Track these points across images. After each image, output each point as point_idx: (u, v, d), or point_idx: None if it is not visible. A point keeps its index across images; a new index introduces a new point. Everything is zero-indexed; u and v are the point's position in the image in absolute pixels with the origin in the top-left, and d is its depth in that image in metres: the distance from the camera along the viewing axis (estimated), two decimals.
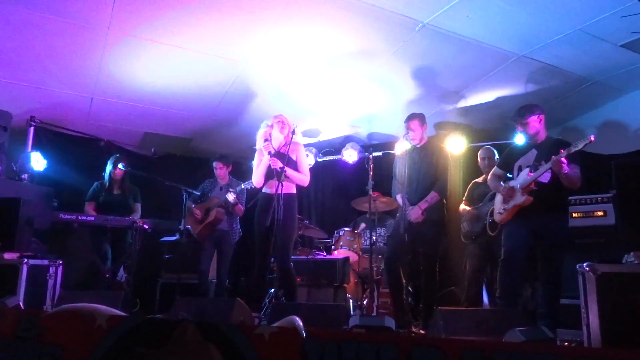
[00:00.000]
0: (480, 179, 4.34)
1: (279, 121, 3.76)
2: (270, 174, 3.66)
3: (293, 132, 3.63)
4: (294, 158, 3.73)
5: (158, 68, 4.25)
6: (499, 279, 3.27)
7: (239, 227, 4.83)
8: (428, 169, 3.79)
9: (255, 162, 3.81)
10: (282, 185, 3.43)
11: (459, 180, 4.80)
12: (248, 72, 4.34)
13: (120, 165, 4.70)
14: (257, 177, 3.77)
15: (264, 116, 4.00)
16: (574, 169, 3.08)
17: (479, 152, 4.38)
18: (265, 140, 3.70)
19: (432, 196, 3.71)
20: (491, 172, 3.66)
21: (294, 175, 3.65)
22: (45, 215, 3.96)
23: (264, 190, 3.76)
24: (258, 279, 3.66)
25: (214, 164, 4.82)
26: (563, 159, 2.97)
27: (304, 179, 3.72)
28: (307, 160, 3.89)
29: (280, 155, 3.68)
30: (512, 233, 3.30)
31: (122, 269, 4.61)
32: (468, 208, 4.24)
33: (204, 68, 4.25)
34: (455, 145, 5.03)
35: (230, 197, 4.45)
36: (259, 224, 3.65)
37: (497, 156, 4.20)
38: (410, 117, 3.87)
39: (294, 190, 3.70)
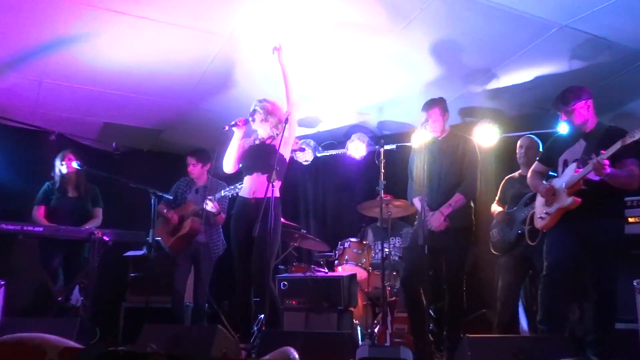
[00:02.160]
0: (516, 174, 4.33)
1: (262, 106, 3.78)
2: (249, 162, 3.69)
3: (286, 121, 3.63)
4: (280, 149, 3.71)
5: (121, 45, 4.24)
6: (540, 298, 3.27)
7: (222, 238, 4.83)
8: (452, 165, 3.79)
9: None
10: (272, 186, 3.42)
11: (490, 179, 4.80)
12: (231, 48, 4.34)
13: (74, 164, 4.68)
14: (227, 159, 3.83)
15: (250, 102, 4.00)
16: (629, 166, 3.08)
17: (519, 141, 4.36)
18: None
19: (457, 199, 3.71)
20: (532, 167, 3.65)
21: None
22: None
23: (240, 194, 3.80)
24: (243, 302, 3.66)
25: (187, 159, 4.82)
26: (606, 160, 2.97)
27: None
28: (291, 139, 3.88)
29: (263, 146, 3.71)
30: (556, 242, 3.30)
31: (77, 290, 4.59)
32: (499, 208, 4.24)
33: (177, 44, 4.24)
34: (485, 136, 5.02)
35: (209, 206, 4.44)
36: (236, 236, 3.67)
37: (541, 147, 4.20)
38: (430, 104, 3.87)
39: (277, 194, 3.68)
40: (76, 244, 4.56)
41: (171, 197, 4.77)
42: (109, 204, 5.08)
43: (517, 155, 4.32)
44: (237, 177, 4.09)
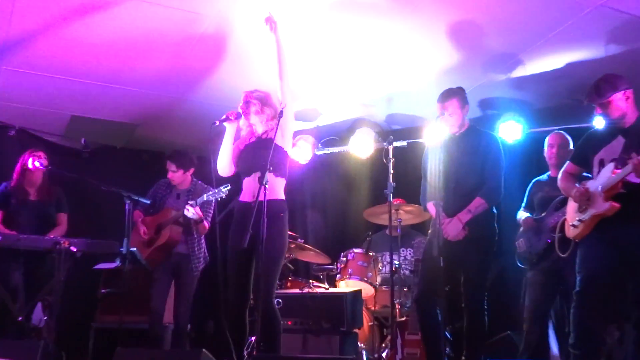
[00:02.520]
0: (545, 177, 4.34)
1: (256, 96, 3.78)
2: (247, 162, 3.67)
3: (280, 115, 3.62)
4: (279, 142, 3.69)
5: (91, 26, 4.22)
6: (573, 318, 3.27)
7: (205, 249, 4.83)
8: (471, 165, 3.79)
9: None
10: (265, 188, 3.40)
11: (515, 180, 4.79)
12: (218, 29, 4.33)
13: (37, 163, 4.68)
14: (220, 161, 3.81)
15: (239, 92, 3.99)
16: None
17: (547, 138, 4.37)
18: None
19: (478, 204, 3.71)
20: (563, 168, 3.66)
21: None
22: None
23: (240, 198, 3.76)
24: (235, 322, 3.64)
25: (166, 163, 4.82)
26: None
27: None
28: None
29: (261, 143, 3.70)
30: (591, 254, 3.30)
31: (40, 308, 4.59)
32: (525, 214, 4.24)
33: (156, 25, 4.24)
34: (509, 131, 5.03)
35: (190, 213, 4.44)
36: (233, 246, 3.64)
37: (571, 145, 4.20)
38: (446, 95, 3.87)
39: (281, 195, 3.68)
40: (39, 256, 4.53)
41: (149, 202, 4.77)
42: (78, 209, 5.08)
43: (547, 155, 4.33)
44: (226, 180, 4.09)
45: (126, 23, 4.21)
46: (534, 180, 4.42)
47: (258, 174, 3.56)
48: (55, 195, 4.90)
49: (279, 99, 3.76)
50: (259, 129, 3.80)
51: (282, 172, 3.67)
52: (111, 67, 4.82)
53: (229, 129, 3.80)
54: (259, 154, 3.64)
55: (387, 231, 4.83)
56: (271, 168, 3.45)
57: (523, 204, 4.39)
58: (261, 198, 3.35)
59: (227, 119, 3.77)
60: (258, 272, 3.49)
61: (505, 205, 4.10)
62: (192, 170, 4.87)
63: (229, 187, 4.34)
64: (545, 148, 4.36)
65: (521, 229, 4.28)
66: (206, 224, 4.70)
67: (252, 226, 3.29)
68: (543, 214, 4.14)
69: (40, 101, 5.37)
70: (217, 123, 3.78)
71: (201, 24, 4.25)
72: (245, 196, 3.70)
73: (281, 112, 3.63)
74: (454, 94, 3.87)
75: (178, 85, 5.18)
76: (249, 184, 3.70)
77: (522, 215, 4.30)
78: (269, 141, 3.62)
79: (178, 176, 4.80)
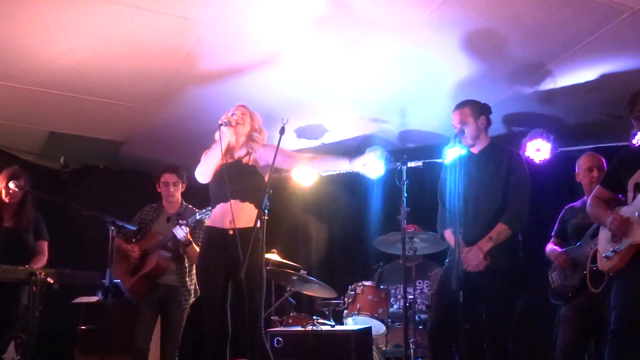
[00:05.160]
0: (578, 204, 4.33)
1: (244, 111, 3.89)
2: (226, 186, 3.69)
3: (281, 132, 3.65)
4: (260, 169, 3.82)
5: (75, 33, 4.27)
6: (609, 359, 3.24)
7: (196, 280, 4.80)
8: (492, 187, 3.79)
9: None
10: (261, 216, 3.46)
11: (543, 204, 4.79)
12: (212, 37, 4.37)
13: (11, 184, 4.71)
14: (206, 166, 3.85)
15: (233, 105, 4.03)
16: None
17: (579, 160, 4.37)
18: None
19: (500, 230, 3.70)
20: (593, 193, 3.65)
21: None
22: None
23: (211, 223, 3.87)
24: None
25: (163, 177, 4.84)
26: None
27: None
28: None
29: (241, 167, 3.79)
30: (628, 289, 3.27)
31: (12, 346, 4.58)
32: (558, 249, 4.23)
33: (144, 33, 4.27)
34: (536, 150, 5.04)
35: (180, 233, 4.45)
36: (209, 276, 3.78)
37: (605, 165, 4.19)
38: (459, 105, 3.91)
39: (253, 222, 3.66)
40: (12, 288, 4.53)
41: (135, 228, 4.77)
42: (56, 236, 5.08)
43: (583, 178, 4.30)
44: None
45: (111, 30, 4.24)
46: (566, 207, 4.39)
47: (237, 200, 3.70)
48: (34, 221, 4.89)
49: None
50: (239, 149, 3.89)
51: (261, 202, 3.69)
52: (94, 79, 4.86)
53: (227, 133, 3.81)
54: (239, 179, 3.75)
55: (400, 261, 4.81)
56: (270, 192, 3.50)
57: (553, 233, 4.37)
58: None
59: (227, 124, 3.78)
60: (248, 307, 3.55)
61: (531, 232, 4.10)
62: (184, 185, 4.92)
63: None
64: (580, 170, 4.33)
65: (553, 263, 4.25)
66: (196, 249, 4.69)
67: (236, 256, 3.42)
68: (578, 244, 4.12)
69: (15, 116, 5.42)
70: (221, 122, 3.78)
71: (193, 31, 4.28)
72: (217, 221, 3.80)
73: (282, 128, 3.66)
74: (466, 103, 3.91)
75: (167, 99, 5.22)
76: (222, 208, 3.76)
77: (552, 248, 4.27)
78: (249, 167, 3.78)
79: (178, 191, 4.85)
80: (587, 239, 4.05)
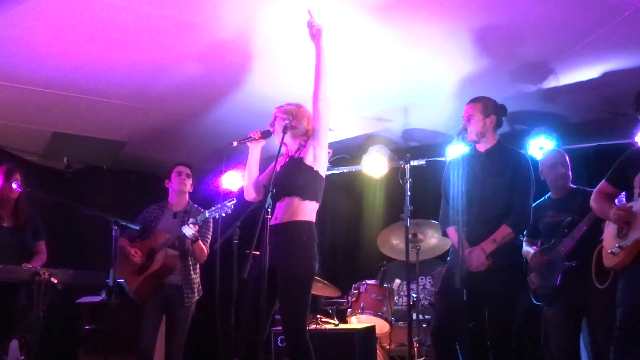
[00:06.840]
0: (546, 199, 4.35)
1: (285, 110, 3.77)
2: (277, 186, 3.53)
3: (284, 130, 3.66)
4: (310, 162, 3.67)
5: (76, 33, 4.27)
6: (613, 356, 3.25)
7: (199, 281, 4.81)
8: (497, 187, 3.78)
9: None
10: (267, 212, 3.42)
11: None
12: (212, 36, 4.37)
13: (13, 185, 4.72)
14: (247, 186, 3.80)
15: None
16: None
17: (543, 157, 4.42)
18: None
19: (504, 233, 3.69)
20: (597, 188, 3.66)
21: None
22: None
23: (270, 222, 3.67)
24: None
25: (177, 168, 4.83)
26: None
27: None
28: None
29: (292, 163, 3.69)
30: (635, 285, 3.27)
31: (16, 347, 4.58)
32: (532, 250, 4.20)
33: (146, 31, 4.28)
34: (539, 148, 5.04)
35: (189, 231, 4.45)
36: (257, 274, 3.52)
37: (568, 161, 4.26)
38: (474, 99, 3.91)
39: (307, 217, 3.60)
40: (14, 288, 4.54)
41: (138, 228, 4.77)
42: (59, 236, 5.10)
43: (549, 175, 4.31)
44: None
45: (117, 29, 4.25)
46: (534, 205, 4.11)
47: (285, 196, 3.60)
48: (34, 222, 4.90)
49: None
50: (292, 147, 3.80)
51: (310, 195, 3.63)
52: (97, 79, 4.86)
53: (254, 150, 3.78)
54: (287, 175, 3.65)
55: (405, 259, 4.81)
56: (292, 189, 3.53)
57: (526, 234, 4.25)
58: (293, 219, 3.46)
59: (249, 139, 3.74)
60: (281, 304, 3.51)
61: None
62: (192, 187, 4.93)
63: (234, 202, 4.35)
64: (543, 167, 4.34)
65: (529, 265, 4.23)
66: (205, 249, 4.71)
67: (269, 254, 3.31)
68: (552, 242, 4.12)
69: (19, 116, 5.42)
70: (236, 144, 3.75)
71: (199, 31, 4.29)
72: (273, 220, 3.64)
73: (284, 126, 3.67)
74: (480, 99, 3.89)
75: (171, 99, 5.22)
76: (276, 207, 3.65)
77: (526, 250, 4.20)
78: (299, 160, 3.66)
79: (189, 184, 4.85)
80: (560, 237, 4.07)
